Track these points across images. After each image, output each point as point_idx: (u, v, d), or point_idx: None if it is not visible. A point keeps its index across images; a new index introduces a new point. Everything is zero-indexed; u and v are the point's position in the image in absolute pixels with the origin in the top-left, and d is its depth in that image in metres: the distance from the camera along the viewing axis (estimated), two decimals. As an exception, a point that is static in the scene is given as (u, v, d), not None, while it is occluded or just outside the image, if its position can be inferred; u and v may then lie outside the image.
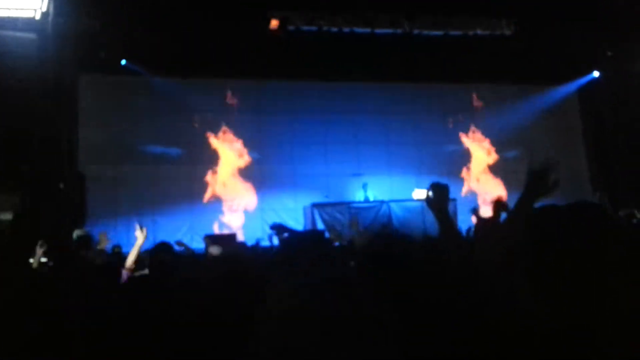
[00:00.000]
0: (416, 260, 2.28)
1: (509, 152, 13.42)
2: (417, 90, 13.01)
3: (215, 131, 11.97)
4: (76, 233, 6.08)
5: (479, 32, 11.81)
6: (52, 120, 9.97)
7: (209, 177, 11.83)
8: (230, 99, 12.10)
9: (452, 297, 2.12)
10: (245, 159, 12.04)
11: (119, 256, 6.12)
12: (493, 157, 13.37)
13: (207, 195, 11.70)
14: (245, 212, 11.73)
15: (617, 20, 11.22)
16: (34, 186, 8.58)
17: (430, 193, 2.59)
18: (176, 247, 6.20)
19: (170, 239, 6.68)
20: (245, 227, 11.52)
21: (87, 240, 6.04)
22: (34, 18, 9.43)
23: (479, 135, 13.39)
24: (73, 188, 8.45)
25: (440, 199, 2.61)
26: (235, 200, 11.78)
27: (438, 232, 2.72)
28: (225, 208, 11.72)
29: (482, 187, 13.10)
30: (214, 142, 11.93)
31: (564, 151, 13.62)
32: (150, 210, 10.88)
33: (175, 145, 11.80)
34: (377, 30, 11.51)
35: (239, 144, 12.06)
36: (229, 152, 11.99)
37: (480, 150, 13.39)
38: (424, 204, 2.80)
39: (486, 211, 12.45)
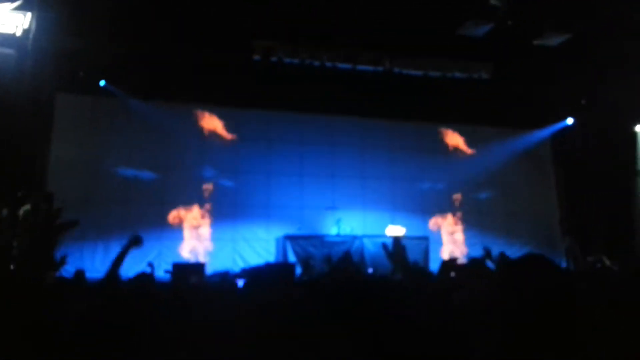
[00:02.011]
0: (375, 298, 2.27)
1: (483, 194, 13.56)
2: (394, 126, 13.11)
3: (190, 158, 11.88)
4: (38, 255, 5.88)
5: (457, 74, 12.07)
6: (26, 137, 9.81)
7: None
8: (208, 126, 12.06)
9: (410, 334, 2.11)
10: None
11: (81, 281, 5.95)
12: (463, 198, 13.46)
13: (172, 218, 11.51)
14: (216, 240, 11.56)
15: (592, 70, 11.58)
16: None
17: (390, 247, 2.61)
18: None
19: (138, 265, 6.56)
20: (215, 256, 11.34)
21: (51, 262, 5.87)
22: (14, 34, 9.34)
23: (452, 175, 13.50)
24: (40, 208, 8.23)
25: (400, 253, 2.64)
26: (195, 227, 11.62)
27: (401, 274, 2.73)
28: (194, 236, 11.53)
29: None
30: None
31: (536, 195, 13.87)
32: (119, 235, 10.64)
33: (147, 168, 11.61)
34: (359, 67, 11.68)
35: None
36: None
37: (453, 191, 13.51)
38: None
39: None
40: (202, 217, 11.66)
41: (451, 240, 12.77)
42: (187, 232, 11.47)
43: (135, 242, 4.60)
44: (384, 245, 2.81)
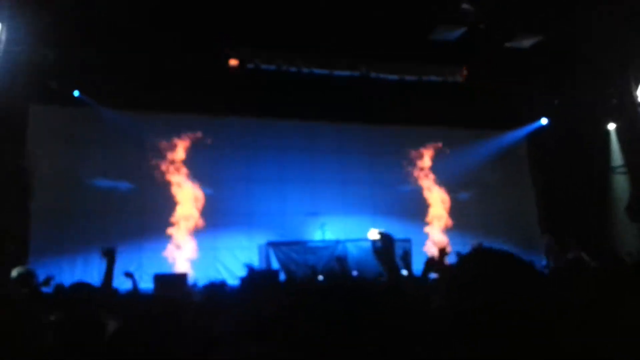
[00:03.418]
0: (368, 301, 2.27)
1: (461, 194, 13.71)
2: (373, 131, 13.20)
3: (168, 167, 11.74)
4: (17, 270, 5.73)
5: (432, 77, 12.20)
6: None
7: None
8: (185, 135, 11.94)
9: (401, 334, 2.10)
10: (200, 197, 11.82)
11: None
12: (445, 199, 13.58)
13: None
14: (198, 250, 11.43)
15: (564, 70, 11.80)
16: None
17: (379, 244, 2.61)
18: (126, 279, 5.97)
19: (118, 277, 6.45)
20: (197, 266, 11.19)
21: (29, 278, 5.72)
22: (-17, 46, 9.15)
23: (432, 177, 13.62)
24: (16, 222, 8.05)
25: (388, 249, 2.64)
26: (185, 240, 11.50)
27: (387, 277, 2.74)
28: (176, 246, 11.38)
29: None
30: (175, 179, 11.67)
31: (514, 194, 14.06)
32: (98, 247, 10.41)
33: (125, 179, 11.45)
34: (335, 72, 11.72)
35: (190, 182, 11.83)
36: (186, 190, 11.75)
37: (434, 192, 13.61)
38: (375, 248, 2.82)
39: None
40: (183, 226, 11.53)
41: (432, 241, 12.83)
42: (168, 242, 11.32)
43: (108, 256, 4.54)
44: (373, 242, 2.79)
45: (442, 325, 1.69)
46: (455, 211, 13.42)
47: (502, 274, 1.44)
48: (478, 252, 1.55)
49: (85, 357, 2.43)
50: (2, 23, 9.05)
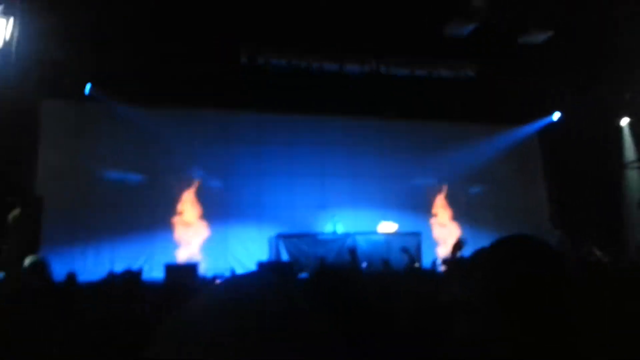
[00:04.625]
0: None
1: (473, 189, 13.65)
2: (383, 125, 13.13)
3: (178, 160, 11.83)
4: (29, 259, 5.78)
5: (443, 72, 12.14)
6: (12, 145, 9.74)
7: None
8: (194, 128, 11.99)
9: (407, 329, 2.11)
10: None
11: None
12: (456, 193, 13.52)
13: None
14: (208, 241, 11.49)
15: (576, 64, 11.70)
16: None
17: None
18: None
19: (129, 267, 6.51)
20: (207, 256, 11.24)
21: (42, 267, 5.77)
22: (-3, 43, 9.24)
23: (442, 171, 13.54)
24: (29, 213, 8.14)
25: None
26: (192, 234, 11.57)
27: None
28: (187, 237, 11.44)
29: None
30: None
31: (525, 189, 13.97)
32: (109, 237, 10.59)
33: (136, 172, 11.58)
34: (346, 67, 11.72)
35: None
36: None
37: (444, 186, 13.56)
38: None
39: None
40: (193, 218, 11.60)
41: (442, 235, 12.77)
42: (178, 234, 11.40)
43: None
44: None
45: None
46: (466, 205, 13.36)
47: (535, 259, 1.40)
48: (512, 239, 1.50)
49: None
50: (14, 19, 9.13)
